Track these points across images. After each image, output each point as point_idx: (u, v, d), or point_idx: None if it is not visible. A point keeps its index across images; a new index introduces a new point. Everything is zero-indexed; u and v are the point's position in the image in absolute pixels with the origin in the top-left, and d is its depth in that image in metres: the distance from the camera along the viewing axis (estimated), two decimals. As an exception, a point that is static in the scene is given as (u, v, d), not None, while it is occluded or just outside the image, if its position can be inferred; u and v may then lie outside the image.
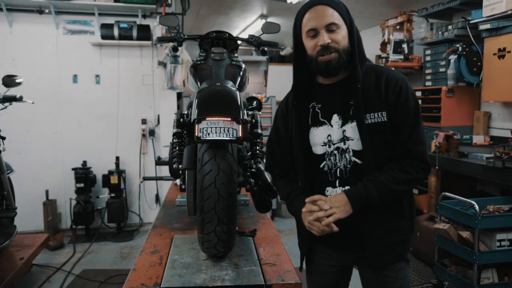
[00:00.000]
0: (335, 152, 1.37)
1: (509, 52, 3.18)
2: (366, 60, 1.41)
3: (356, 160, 1.35)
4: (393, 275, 1.39)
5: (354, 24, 1.35)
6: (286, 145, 1.49)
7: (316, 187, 1.43)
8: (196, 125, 1.65)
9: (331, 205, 1.29)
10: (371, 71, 1.37)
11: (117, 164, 4.69)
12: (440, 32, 3.96)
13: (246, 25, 6.56)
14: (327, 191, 1.40)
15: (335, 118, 1.37)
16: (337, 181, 1.38)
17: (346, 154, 1.36)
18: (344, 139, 1.36)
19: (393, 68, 4.33)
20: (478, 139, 3.46)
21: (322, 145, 1.40)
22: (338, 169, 1.37)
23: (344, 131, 1.36)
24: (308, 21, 1.34)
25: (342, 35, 1.32)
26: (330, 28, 1.31)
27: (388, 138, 1.33)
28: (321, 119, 1.40)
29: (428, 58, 4.16)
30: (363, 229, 1.35)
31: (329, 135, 1.38)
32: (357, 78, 1.32)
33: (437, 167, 3.66)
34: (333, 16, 1.31)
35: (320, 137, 1.40)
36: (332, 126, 1.38)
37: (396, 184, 1.28)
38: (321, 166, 1.41)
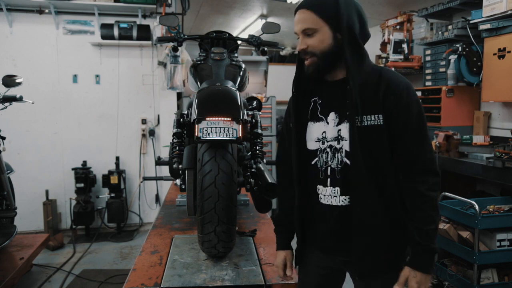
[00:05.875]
0: (328, 149, 1.35)
1: (509, 52, 3.18)
2: (366, 59, 1.36)
3: (347, 161, 1.32)
4: (384, 284, 1.35)
5: (346, 22, 1.27)
6: (290, 137, 1.49)
7: (308, 183, 1.42)
8: (196, 125, 1.65)
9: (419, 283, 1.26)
10: (375, 72, 1.32)
11: (117, 164, 4.69)
12: (440, 32, 3.96)
13: (246, 25, 6.56)
14: (318, 189, 1.38)
15: (332, 115, 1.35)
16: (328, 180, 1.36)
17: (338, 154, 1.33)
18: (339, 138, 1.33)
19: (392, 69, 4.34)
20: (478, 139, 3.46)
21: (316, 141, 1.38)
22: (329, 168, 1.35)
23: (339, 130, 1.34)
24: (294, 25, 1.36)
25: (319, 39, 1.29)
26: (307, 33, 1.31)
27: (384, 142, 1.29)
28: (319, 115, 1.38)
29: (428, 58, 4.16)
30: (351, 235, 1.32)
31: (324, 132, 1.36)
32: (347, 80, 1.30)
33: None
34: (310, 20, 1.29)
35: (315, 133, 1.39)
36: (328, 123, 1.36)
37: (433, 222, 1.26)
38: (313, 162, 1.39)
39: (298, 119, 1.43)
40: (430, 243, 1.25)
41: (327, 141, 1.36)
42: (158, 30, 4.51)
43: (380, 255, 1.33)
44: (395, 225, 1.32)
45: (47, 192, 4.53)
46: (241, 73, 2.19)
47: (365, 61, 1.33)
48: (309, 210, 1.44)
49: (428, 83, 4.17)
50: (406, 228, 1.32)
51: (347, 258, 1.37)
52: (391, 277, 1.34)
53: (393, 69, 4.33)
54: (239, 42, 2.42)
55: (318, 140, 1.38)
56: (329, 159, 1.35)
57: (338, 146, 1.34)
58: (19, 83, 3.01)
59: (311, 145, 1.40)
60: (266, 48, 2.38)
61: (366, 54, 1.35)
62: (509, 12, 3.05)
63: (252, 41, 2.36)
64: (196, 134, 1.64)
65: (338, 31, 1.29)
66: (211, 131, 1.63)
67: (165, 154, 3.97)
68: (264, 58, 4.96)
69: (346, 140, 1.32)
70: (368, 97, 1.28)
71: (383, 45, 4.80)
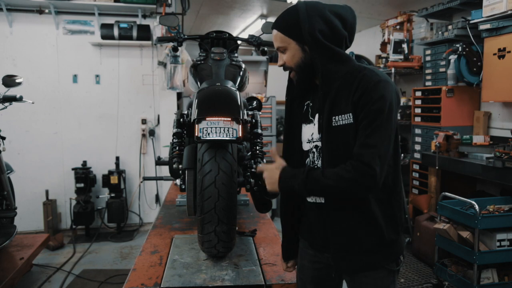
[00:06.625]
0: (314, 150, 1.40)
1: (509, 52, 3.18)
2: (346, 61, 1.32)
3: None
4: (369, 282, 1.36)
5: (308, 33, 1.27)
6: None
7: None
8: (196, 125, 1.65)
9: (266, 175, 1.35)
10: (357, 72, 1.30)
11: (117, 164, 4.69)
12: (440, 32, 3.96)
13: (246, 25, 6.56)
14: None
15: (317, 117, 1.39)
16: None
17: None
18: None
19: (392, 69, 4.33)
20: (478, 139, 3.46)
21: (307, 142, 1.43)
22: (316, 167, 1.39)
23: None
24: None
25: (290, 55, 1.35)
26: (280, 50, 1.38)
27: (354, 140, 1.27)
28: (310, 117, 1.43)
29: (428, 58, 4.16)
30: (328, 236, 1.37)
31: (312, 133, 1.41)
32: (320, 86, 1.32)
33: (437, 167, 3.66)
34: (279, 39, 1.36)
35: (306, 134, 1.44)
36: (315, 124, 1.40)
37: (338, 181, 1.22)
38: (306, 162, 1.45)
39: (293, 122, 1.49)
40: (308, 184, 1.25)
41: (313, 142, 1.40)
42: (158, 30, 4.51)
43: (356, 253, 1.34)
44: (368, 224, 1.32)
45: (47, 192, 4.53)
46: (241, 73, 2.19)
47: (341, 63, 1.31)
48: (302, 207, 1.51)
49: (428, 83, 4.17)
50: (381, 227, 1.31)
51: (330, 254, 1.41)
52: (380, 276, 1.35)
53: (393, 69, 4.34)
54: (239, 42, 2.42)
55: (309, 141, 1.43)
56: (315, 158, 1.39)
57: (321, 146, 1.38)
58: (19, 83, 3.01)
59: (305, 146, 1.45)
60: (266, 48, 2.39)
61: (341, 56, 1.31)
62: (509, 12, 3.05)
63: (252, 41, 2.37)
64: (196, 134, 1.64)
65: (305, 43, 1.32)
66: (211, 131, 1.64)
67: (165, 154, 3.97)
68: (264, 58, 4.96)
69: None
70: (343, 97, 1.28)
71: (383, 45, 4.80)
